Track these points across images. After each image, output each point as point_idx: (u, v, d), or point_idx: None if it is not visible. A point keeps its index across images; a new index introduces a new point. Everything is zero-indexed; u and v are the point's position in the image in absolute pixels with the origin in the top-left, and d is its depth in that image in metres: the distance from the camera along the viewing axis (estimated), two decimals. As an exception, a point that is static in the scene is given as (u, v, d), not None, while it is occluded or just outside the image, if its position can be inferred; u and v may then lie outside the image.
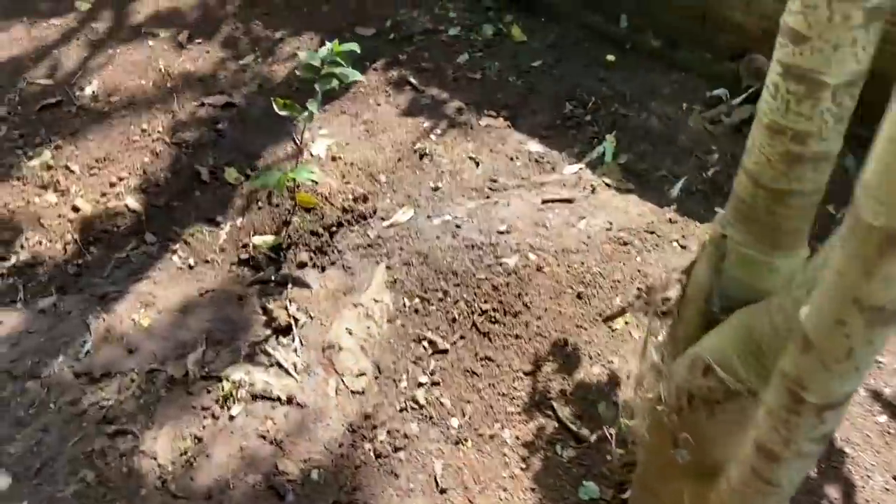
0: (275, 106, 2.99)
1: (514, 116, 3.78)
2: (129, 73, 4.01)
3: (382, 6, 4.50)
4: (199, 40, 4.25)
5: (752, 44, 3.60)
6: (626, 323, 2.79)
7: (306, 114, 2.93)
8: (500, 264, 2.99)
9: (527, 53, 4.15)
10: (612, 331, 2.78)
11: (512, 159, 3.54)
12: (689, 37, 3.82)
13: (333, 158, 3.51)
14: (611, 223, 3.16)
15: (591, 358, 2.71)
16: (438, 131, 3.71)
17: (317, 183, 3.33)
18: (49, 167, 3.48)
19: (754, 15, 3.52)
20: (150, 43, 4.23)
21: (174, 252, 3.18)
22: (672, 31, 3.88)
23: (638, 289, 2.91)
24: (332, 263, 3.15)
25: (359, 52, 2.95)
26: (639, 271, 2.96)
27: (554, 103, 3.82)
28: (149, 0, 4.53)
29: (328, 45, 2.93)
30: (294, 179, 3.24)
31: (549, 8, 4.34)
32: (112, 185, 3.40)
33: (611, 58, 4.05)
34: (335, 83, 2.88)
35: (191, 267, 3.13)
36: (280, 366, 2.74)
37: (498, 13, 4.45)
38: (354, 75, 2.92)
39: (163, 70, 4.02)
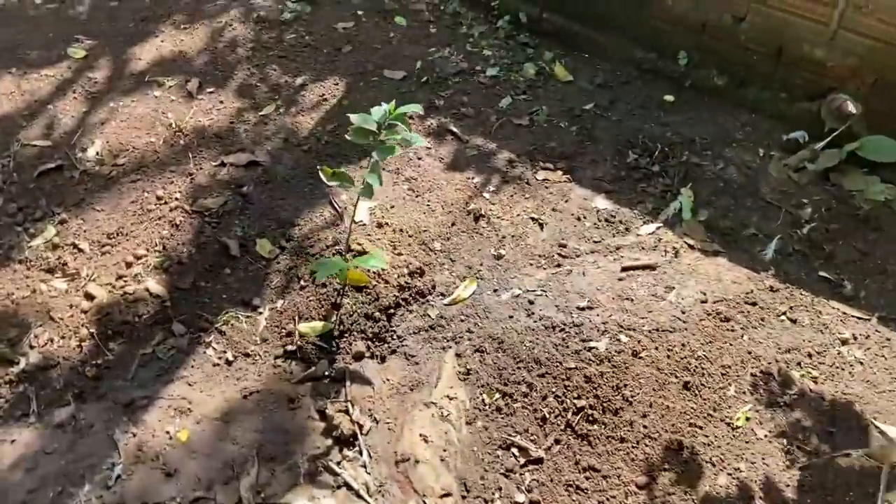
0: (322, 175, 2.60)
1: (573, 168, 3.41)
2: (136, 129, 3.58)
3: (410, 45, 4.13)
4: (211, 89, 3.84)
5: (834, 82, 3.27)
6: (748, 419, 2.42)
7: (362, 187, 2.53)
8: (590, 349, 2.61)
9: (575, 95, 3.79)
10: (734, 429, 2.40)
11: (579, 219, 3.17)
12: (761, 74, 3.48)
13: (380, 225, 3.12)
14: (704, 294, 2.80)
15: (713, 465, 2.34)
16: (491, 188, 3.33)
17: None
18: (55, 246, 3.04)
19: (838, 51, 3.19)
20: (156, 93, 3.80)
21: (208, 345, 2.76)
22: (740, 67, 3.53)
23: (752, 375, 2.54)
24: (393, 352, 2.75)
25: (421, 112, 2.56)
26: (749, 353, 2.60)
27: (615, 151, 3.46)
28: (149, 44, 4.11)
29: (384, 105, 2.53)
30: (344, 254, 2.85)
31: (593, 44, 3.98)
32: (129, 264, 2.98)
33: (669, 98, 3.71)
34: (397, 151, 2.50)
35: (229, 362, 2.71)
36: (349, 487, 2.34)
37: (537, 50, 4.08)
38: (418, 140, 2.53)
39: (173, 124, 3.60)
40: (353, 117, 2.55)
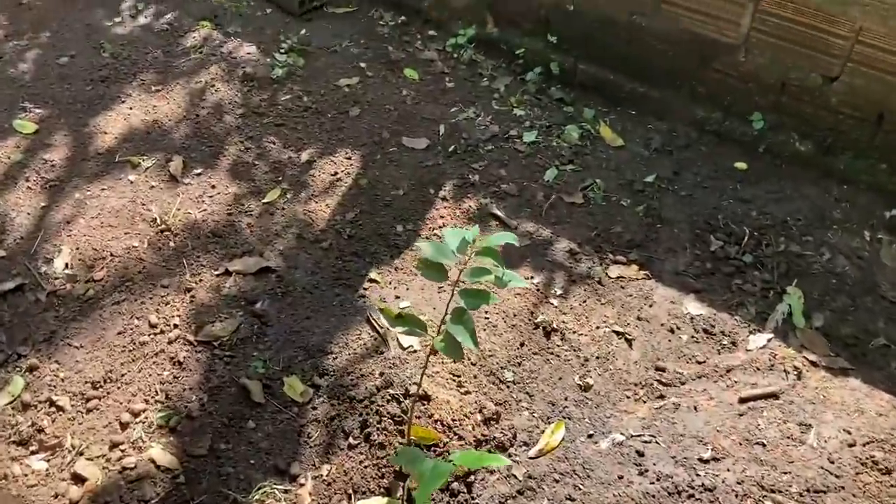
0: (383, 318, 2.02)
1: (649, 260, 2.88)
2: (112, 227, 2.93)
3: (428, 104, 3.54)
4: (199, 169, 3.19)
5: (948, 152, 2.83)
6: None
7: (443, 343, 1.95)
8: (734, 525, 2.09)
9: (631, 163, 3.27)
10: None
11: (672, 331, 2.64)
12: (854, 141, 3.01)
13: (434, 351, 2.53)
14: (849, 433, 2.30)
15: None
16: (557, 290, 2.78)
17: (428, 400, 2.36)
18: (25, 406, 2.38)
19: (956, 118, 2.75)
20: (131, 177, 3.14)
21: (242, 539, 2.14)
22: (828, 133, 3.06)
23: (940, 552, 2.06)
24: (480, 533, 2.18)
25: (517, 243, 1.99)
26: (927, 519, 2.12)
27: (693, 237, 2.95)
28: (115, 113, 3.43)
29: (466, 231, 1.96)
30: (403, 401, 2.27)
31: (641, 99, 3.46)
32: (124, 425, 2.34)
33: (741, 165, 3.21)
34: (494, 299, 1.93)
35: (272, 563, 2.11)
36: None
37: (574, 106, 3.54)
38: (518, 281, 1.96)
39: (158, 220, 2.95)
40: (424, 247, 1.97)
